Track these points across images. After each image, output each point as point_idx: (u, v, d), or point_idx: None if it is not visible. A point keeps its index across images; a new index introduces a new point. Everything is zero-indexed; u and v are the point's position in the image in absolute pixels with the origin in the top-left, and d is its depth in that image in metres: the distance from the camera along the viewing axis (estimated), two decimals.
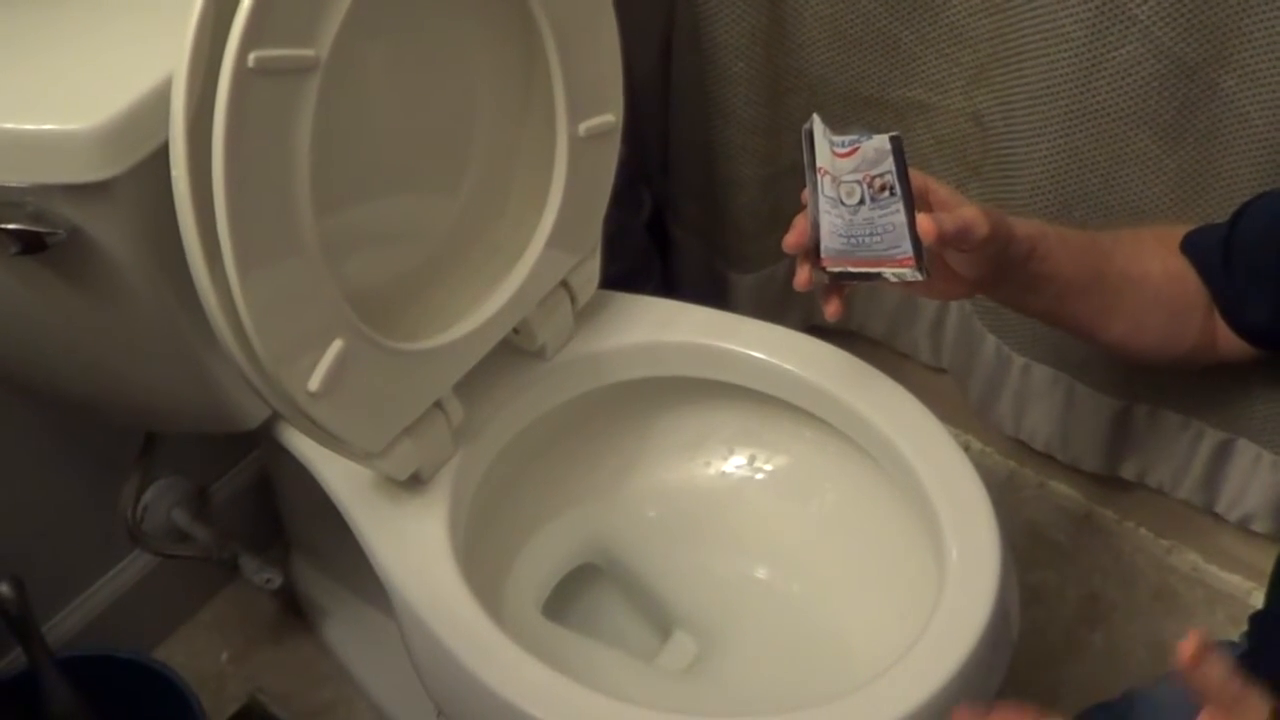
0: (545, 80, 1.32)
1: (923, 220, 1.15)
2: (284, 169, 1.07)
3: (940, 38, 1.67)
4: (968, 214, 1.18)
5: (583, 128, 1.37)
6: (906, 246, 1.17)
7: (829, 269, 1.20)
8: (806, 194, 1.22)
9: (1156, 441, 1.85)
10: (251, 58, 0.99)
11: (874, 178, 1.18)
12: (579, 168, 1.39)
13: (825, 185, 1.20)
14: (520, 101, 1.37)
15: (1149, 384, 1.79)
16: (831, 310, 1.25)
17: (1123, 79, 1.50)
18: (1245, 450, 1.77)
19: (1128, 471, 1.93)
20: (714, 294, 2.04)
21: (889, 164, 1.18)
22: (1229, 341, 1.35)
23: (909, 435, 1.37)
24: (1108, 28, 1.47)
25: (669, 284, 2.12)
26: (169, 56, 1.01)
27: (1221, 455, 1.80)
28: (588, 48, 1.34)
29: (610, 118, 1.40)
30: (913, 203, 1.18)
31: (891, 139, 1.19)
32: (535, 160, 1.38)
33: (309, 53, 1.05)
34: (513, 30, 1.30)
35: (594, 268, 1.50)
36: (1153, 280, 1.34)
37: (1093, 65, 1.51)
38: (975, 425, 2.09)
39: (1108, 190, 1.61)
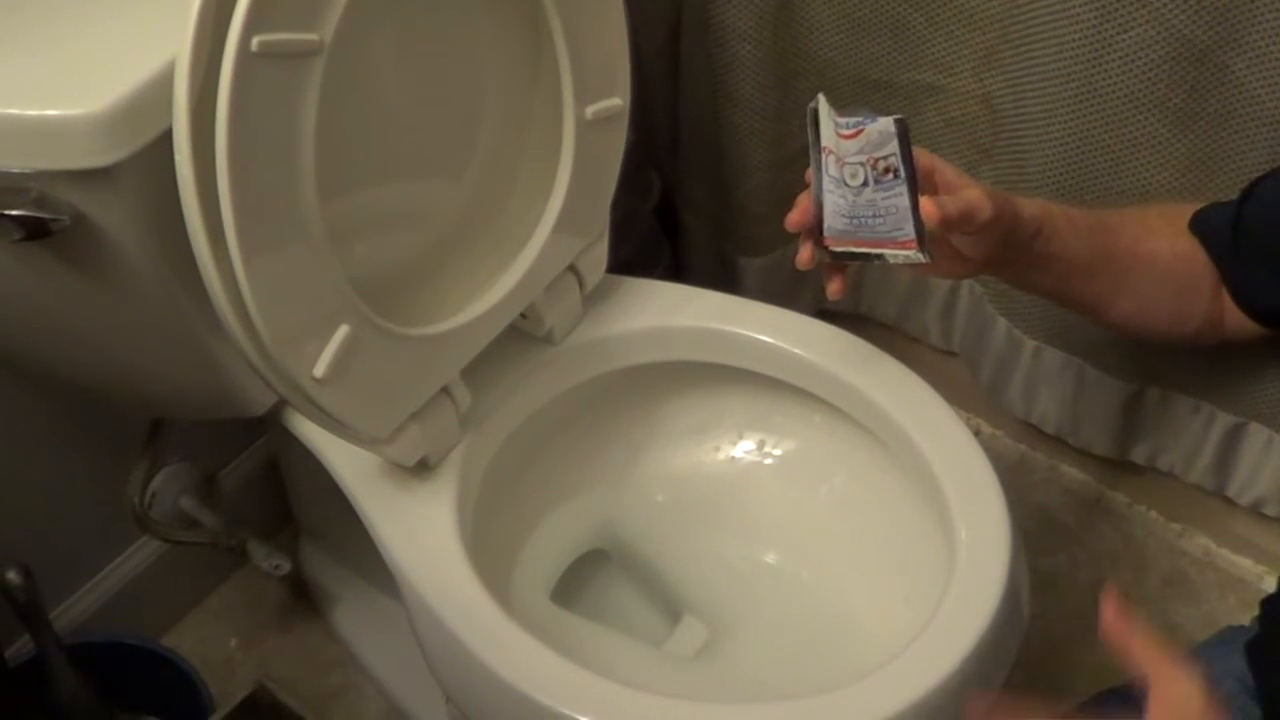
0: (552, 64, 1.32)
1: (925, 203, 1.15)
2: (288, 154, 1.06)
3: (950, 19, 1.66)
4: (972, 196, 1.18)
5: (590, 111, 1.36)
6: (909, 229, 1.17)
7: (831, 248, 1.21)
8: (810, 172, 1.22)
9: (1168, 425, 1.85)
10: (255, 42, 0.99)
11: (878, 160, 1.18)
12: (586, 151, 1.38)
13: (829, 165, 1.20)
14: (527, 85, 1.37)
15: (1160, 367, 1.78)
16: (834, 289, 1.25)
17: (1132, 61, 1.50)
18: (1257, 434, 1.76)
19: (1139, 455, 1.93)
20: (723, 278, 2.04)
21: (893, 146, 1.18)
22: (1236, 320, 1.35)
23: (919, 419, 1.37)
24: (1116, 8, 1.46)
25: (678, 268, 2.12)
26: (172, 41, 1.00)
27: (1233, 439, 1.79)
28: (595, 30, 1.34)
29: (617, 101, 1.40)
30: (916, 185, 1.17)
31: (896, 121, 1.19)
32: (542, 144, 1.38)
33: (312, 37, 1.04)
34: (519, 13, 1.29)
35: (602, 252, 1.49)
36: (1161, 260, 1.33)
37: (1102, 47, 1.50)
38: (986, 409, 2.08)
39: (1118, 174, 1.60)
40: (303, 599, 1.96)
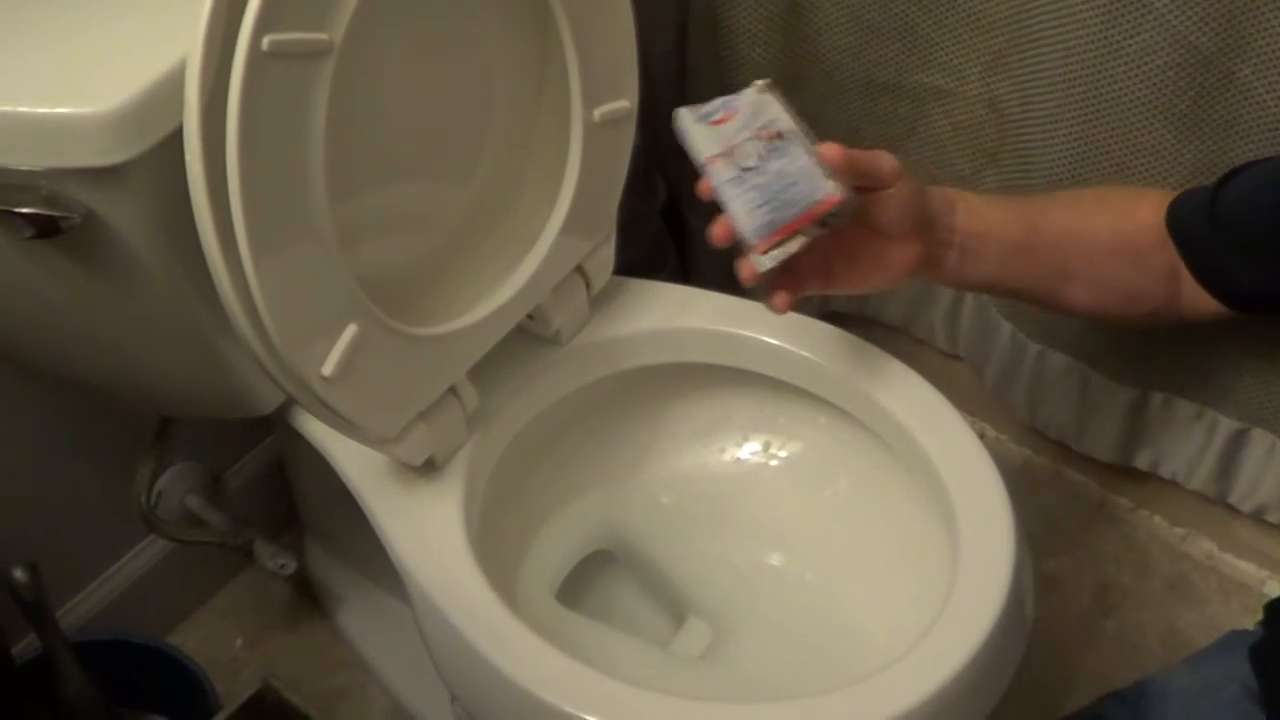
0: (560, 65, 1.32)
1: (825, 147, 1.14)
2: (298, 153, 1.07)
3: (957, 23, 1.66)
4: (875, 150, 1.18)
5: (598, 113, 1.37)
6: (824, 183, 1.13)
7: (767, 252, 1.15)
8: (702, 186, 1.20)
9: (1171, 430, 1.85)
10: (266, 41, 0.99)
11: (762, 130, 1.16)
12: (594, 153, 1.39)
13: (721, 171, 1.17)
14: (535, 87, 1.37)
15: (1164, 372, 1.79)
16: (779, 302, 1.23)
17: (1138, 67, 1.50)
18: (1260, 440, 1.76)
19: (1141, 461, 1.93)
20: (729, 281, 2.03)
21: (771, 112, 1.16)
22: (1192, 301, 1.32)
23: (924, 422, 1.37)
24: (1123, 14, 1.46)
25: (684, 271, 2.12)
26: (183, 40, 1.01)
27: (1236, 445, 1.80)
28: (603, 32, 1.34)
29: (625, 103, 1.40)
30: (810, 140, 1.15)
31: (763, 87, 1.18)
32: (550, 146, 1.38)
33: (323, 36, 1.05)
34: (528, 14, 1.30)
35: (609, 253, 1.50)
36: (1099, 238, 1.32)
37: (1109, 52, 1.50)
38: (990, 413, 2.09)
39: (1124, 179, 1.60)
40: (308, 599, 1.96)
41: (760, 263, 1.15)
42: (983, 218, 1.27)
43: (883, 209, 1.21)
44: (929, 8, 1.67)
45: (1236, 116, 1.50)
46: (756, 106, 1.17)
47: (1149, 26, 1.46)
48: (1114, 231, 1.33)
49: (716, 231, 1.19)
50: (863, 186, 1.17)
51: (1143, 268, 1.32)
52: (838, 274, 1.25)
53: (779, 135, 1.15)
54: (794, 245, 1.14)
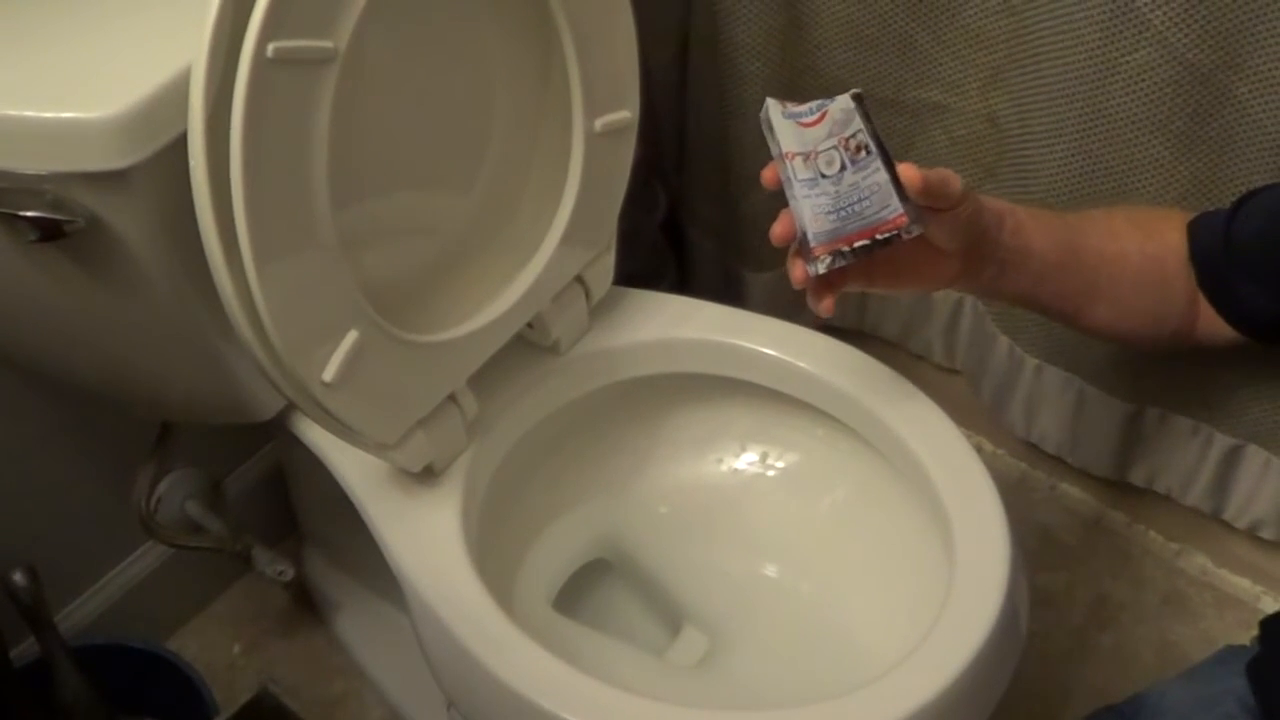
0: (562, 75, 1.33)
1: (905, 169, 1.13)
2: (301, 160, 1.07)
3: (956, 39, 1.67)
4: (942, 170, 1.18)
5: (599, 123, 1.37)
6: (896, 204, 1.12)
7: (822, 256, 1.14)
8: (767, 173, 1.19)
9: (1166, 446, 1.85)
10: (270, 48, 1.00)
11: (848, 139, 1.15)
12: (595, 163, 1.39)
13: (798, 169, 1.16)
14: (537, 96, 1.38)
15: (1160, 387, 1.79)
16: (825, 307, 1.21)
17: (1136, 83, 1.50)
18: (1254, 456, 1.77)
19: (1137, 476, 1.93)
20: (729, 293, 2.05)
21: (858, 123, 1.15)
22: (1208, 327, 1.33)
23: (921, 434, 1.37)
24: (1121, 31, 1.47)
25: (684, 283, 2.13)
26: (189, 46, 1.01)
27: (1230, 461, 1.80)
28: (605, 43, 1.35)
29: (626, 114, 1.40)
30: (890, 157, 1.14)
31: (853, 96, 1.17)
32: (551, 155, 1.39)
33: (327, 44, 1.05)
34: (530, 25, 1.30)
35: (609, 263, 1.50)
36: (1131, 261, 1.32)
37: (1107, 69, 1.51)
38: (987, 427, 2.09)
39: (1122, 195, 1.61)
40: (306, 606, 1.97)
41: (815, 267, 1.15)
42: (1027, 235, 1.27)
43: (942, 226, 1.21)
44: (928, 23, 1.68)
45: (1233, 134, 1.50)
46: (845, 115, 1.16)
47: (1147, 43, 1.47)
48: (1143, 255, 1.33)
49: (777, 230, 1.18)
50: (930, 206, 1.18)
51: (1166, 291, 1.33)
52: (879, 275, 1.24)
53: (862, 149, 1.14)
54: (852, 256, 1.14)
